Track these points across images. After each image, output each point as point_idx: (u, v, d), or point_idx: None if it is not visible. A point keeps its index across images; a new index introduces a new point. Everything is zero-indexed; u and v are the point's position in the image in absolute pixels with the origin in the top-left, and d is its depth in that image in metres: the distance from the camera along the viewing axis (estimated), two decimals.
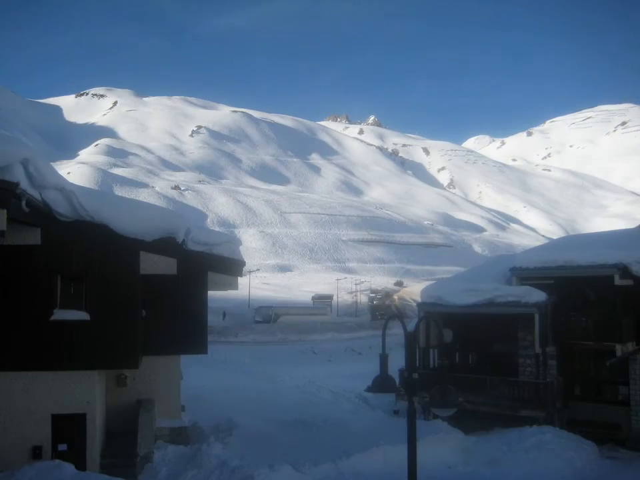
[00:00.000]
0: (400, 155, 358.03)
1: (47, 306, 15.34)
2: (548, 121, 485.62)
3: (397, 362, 18.45)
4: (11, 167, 11.60)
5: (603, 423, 22.36)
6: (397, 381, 23.62)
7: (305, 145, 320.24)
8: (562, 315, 23.57)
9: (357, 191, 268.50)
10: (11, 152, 11.75)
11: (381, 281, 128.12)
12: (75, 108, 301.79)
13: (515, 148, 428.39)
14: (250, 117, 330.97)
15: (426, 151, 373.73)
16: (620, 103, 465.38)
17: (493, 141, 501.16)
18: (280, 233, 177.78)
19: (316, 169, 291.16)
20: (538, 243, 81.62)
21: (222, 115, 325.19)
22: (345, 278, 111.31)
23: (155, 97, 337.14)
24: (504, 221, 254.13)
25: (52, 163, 14.88)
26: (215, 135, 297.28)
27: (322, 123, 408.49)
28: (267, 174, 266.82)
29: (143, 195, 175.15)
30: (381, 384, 8.68)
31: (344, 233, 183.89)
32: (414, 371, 9.16)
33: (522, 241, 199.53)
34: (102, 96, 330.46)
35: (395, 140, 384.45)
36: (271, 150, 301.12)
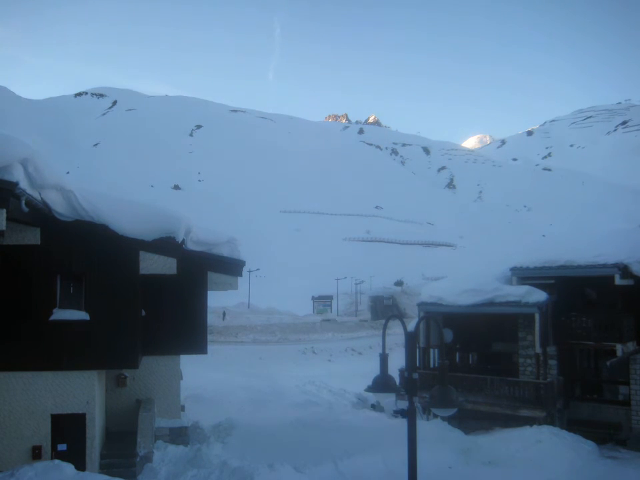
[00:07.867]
0: (400, 154, 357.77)
1: (47, 306, 15.32)
2: (548, 121, 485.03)
3: (397, 362, 18.39)
4: (11, 166, 11.56)
5: (604, 423, 22.37)
6: (397, 380, 23.65)
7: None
8: (562, 315, 23.57)
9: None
10: (10, 152, 11.71)
11: (381, 280, 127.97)
12: (75, 107, 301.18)
13: (515, 147, 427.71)
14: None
15: (426, 150, 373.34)
16: (620, 102, 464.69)
17: (493, 140, 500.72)
18: None
19: None
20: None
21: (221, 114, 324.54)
22: (345, 278, 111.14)
23: (154, 97, 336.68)
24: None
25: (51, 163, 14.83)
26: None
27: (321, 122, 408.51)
28: None
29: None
30: (381, 384, 8.65)
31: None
32: (414, 371, 9.13)
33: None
34: (102, 95, 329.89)
35: (394, 139, 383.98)
36: None
